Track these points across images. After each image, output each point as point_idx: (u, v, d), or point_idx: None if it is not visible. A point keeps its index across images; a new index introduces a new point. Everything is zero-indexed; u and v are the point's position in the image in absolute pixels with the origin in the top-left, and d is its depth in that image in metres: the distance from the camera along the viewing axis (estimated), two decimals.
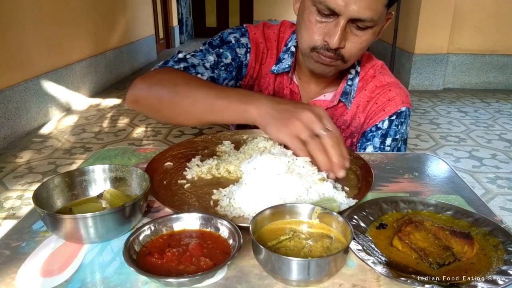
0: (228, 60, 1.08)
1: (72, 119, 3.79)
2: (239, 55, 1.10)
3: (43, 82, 3.60)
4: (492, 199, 2.44)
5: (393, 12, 0.97)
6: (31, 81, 3.43)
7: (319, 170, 0.74)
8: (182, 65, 1.00)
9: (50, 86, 3.70)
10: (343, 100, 1.07)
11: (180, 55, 1.03)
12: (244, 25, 1.15)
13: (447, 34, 4.76)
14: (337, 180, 0.79)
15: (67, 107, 4.04)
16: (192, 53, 1.06)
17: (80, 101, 4.28)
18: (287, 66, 1.09)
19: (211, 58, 1.05)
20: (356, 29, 0.90)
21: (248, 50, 1.12)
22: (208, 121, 0.88)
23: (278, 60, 1.12)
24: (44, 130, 3.48)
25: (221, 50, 1.08)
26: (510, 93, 4.83)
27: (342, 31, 0.88)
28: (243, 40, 1.12)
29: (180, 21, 8.48)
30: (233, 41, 1.10)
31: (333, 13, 0.87)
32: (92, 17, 4.59)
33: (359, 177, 0.82)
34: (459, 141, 3.35)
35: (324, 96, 1.10)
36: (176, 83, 0.90)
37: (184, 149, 0.95)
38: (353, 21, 0.88)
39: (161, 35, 7.55)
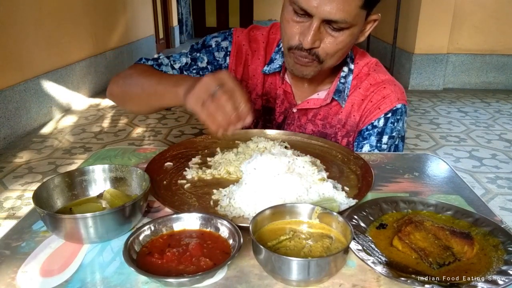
0: (203, 64, 1.13)
1: (72, 119, 3.79)
2: (217, 59, 1.13)
3: (43, 82, 3.60)
4: (492, 199, 2.44)
5: (379, 14, 0.97)
6: (31, 81, 3.43)
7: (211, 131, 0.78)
8: (151, 62, 1.11)
9: (50, 86, 3.70)
10: (336, 98, 1.07)
11: (156, 55, 1.13)
12: (232, 29, 1.17)
13: (447, 34, 4.75)
14: (337, 180, 0.79)
15: (67, 107, 4.04)
16: (169, 55, 1.14)
17: (80, 101, 4.28)
18: (277, 66, 1.09)
19: (184, 60, 1.13)
20: (331, 30, 0.90)
21: (228, 53, 1.13)
22: (156, 106, 1.00)
23: (270, 61, 1.12)
24: (44, 130, 3.48)
25: (198, 54, 1.13)
26: (510, 93, 4.83)
27: (315, 31, 0.88)
28: (224, 43, 1.14)
29: (180, 21, 8.47)
30: (213, 45, 1.14)
31: (307, 14, 0.88)
32: (92, 17, 4.59)
33: (359, 177, 0.82)
34: (459, 141, 3.35)
35: (318, 94, 1.10)
36: (133, 77, 1.02)
37: (184, 149, 0.95)
38: (327, 22, 0.88)
39: (161, 35, 7.55)
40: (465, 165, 2.90)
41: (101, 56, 4.79)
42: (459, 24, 4.73)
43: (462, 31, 4.78)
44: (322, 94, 1.09)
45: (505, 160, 2.99)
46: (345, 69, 1.08)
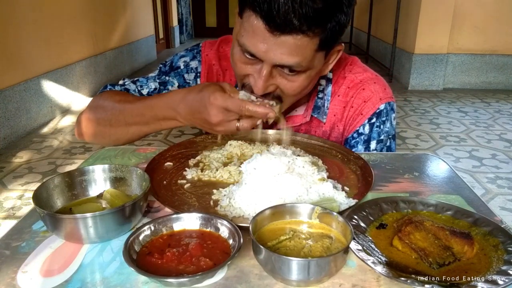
0: (174, 88, 1.06)
1: (72, 119, 3.78)
2: (187, 81, 1.07)
3: (43, 82, 3.60)
4: (492, 199, 2.44)
5: (343, 44, 0.90)
6: (31, 81, 3.43)
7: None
8: (118, 88, 1.04)
9: (50, 86, 3.70)
10: (316, 116, 1.01)
11: (121, 82, 1.06)
12: (200, 44, 1.10)
13: (447, 34, 4.75)
14: (337, 180, 0.79)
15: (67, 107, 4.04)
16: (135, 79, 1.07)
17: (80, 101, 4.28)
18: None
19: (153, 85, 1.05)
20: (286, 73, 0.82)
21: (198, 74, 1.07)
22: (149, 133, 0.94)
23: None
24: (44, 130, 3.48)
25: (167, 78, 1.06)
26: (510, 93, 4.83)
27: (266, 77, 0.81)
28: (193, 64, 1.07)
29: (180, 21, 8.47)
30: (182, 66, 1.07)
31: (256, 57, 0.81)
32: (92, 17, 4.59)
33: (359, 177, 0.82)
34: (459, 141, 3.35)
35: (296, 110, 1.04)
36: (108, 109, 0.95)
37: (184, 149, 0.95)
38: (280, 65, 0.81)
39: (161, 35, 7.55)
40: (465, 165, 2.90)
41: (101, 56, 4.79)
42: (459, 24, 4.73)
43: (462, 31, 4.78)
44: (300, 110, 1.04)
45: (505, 160, 2.99)
46: (322, 82, 1.01)
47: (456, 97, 4.66)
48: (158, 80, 1.06)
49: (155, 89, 1.05)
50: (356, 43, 7.48)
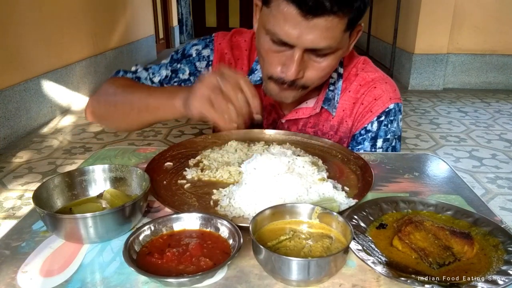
0: (185, 76, 1.07)
1: (72, 119, 3.79)
2: (199, 69, 1.08)
3: (43, 82, 3.60)
4: (492, 199, 2.44)
5: (362, 24, 0.92)
6: (31, 81, 3.43)
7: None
8: (130, 75, 1.05)
9: (50, 86, 3.70)
10: (326, 107, 1.02)
11: (133, 68, 1.07)
12: (213, 34, 1.11)
13: (447, 34, 4.75)
14: (337, 180, 0.79)
15: (67, 107, 4.04)
16: (148, 67, 1.08)
17: (80, 101, 4.28)
18: (258, 78, 1.03)
19: (164, 72, 1.06)
20: (316, 57, 0.85)
21: (210, 62, 1.07)
22: (148, 122, 0.94)
23: (251, 71, 1.06)
24: (44, 130, 3.48)
25: (179, 65, 1.07)
26: (510, 93, 4.83)
27: (298, 62, 0.83)
28: (205, 52, 1.08)
29: (180, 21, 8.47)
30: (194, 55, 1.08)
31: (287, 44, 0.83)
32: (92, 17, 4.59)
33: (359, 177, 0.82)
34: (459, 141, 3.35)
35: (306, 103, 1.05)
36: (117, 92, 0.97)
37: (184, 149, 0.95)
38: (311, 50, 0.83)
39: (161, 35, 7.55)
40: (465, 165, 2.90)
41: (101, 56, 4.79)
42: (459, 24, 4.73)
43: (462, 31, 4.78)
44: (310, 102, 1.05)
45: (505, 160, 2.99)
46: (334, 75, 1.03)
47: (456, 97, 4.66)
48: (170, 68, 1.07)
49: (166, 76, 1.06)
50: (356, 43, 7.47)
